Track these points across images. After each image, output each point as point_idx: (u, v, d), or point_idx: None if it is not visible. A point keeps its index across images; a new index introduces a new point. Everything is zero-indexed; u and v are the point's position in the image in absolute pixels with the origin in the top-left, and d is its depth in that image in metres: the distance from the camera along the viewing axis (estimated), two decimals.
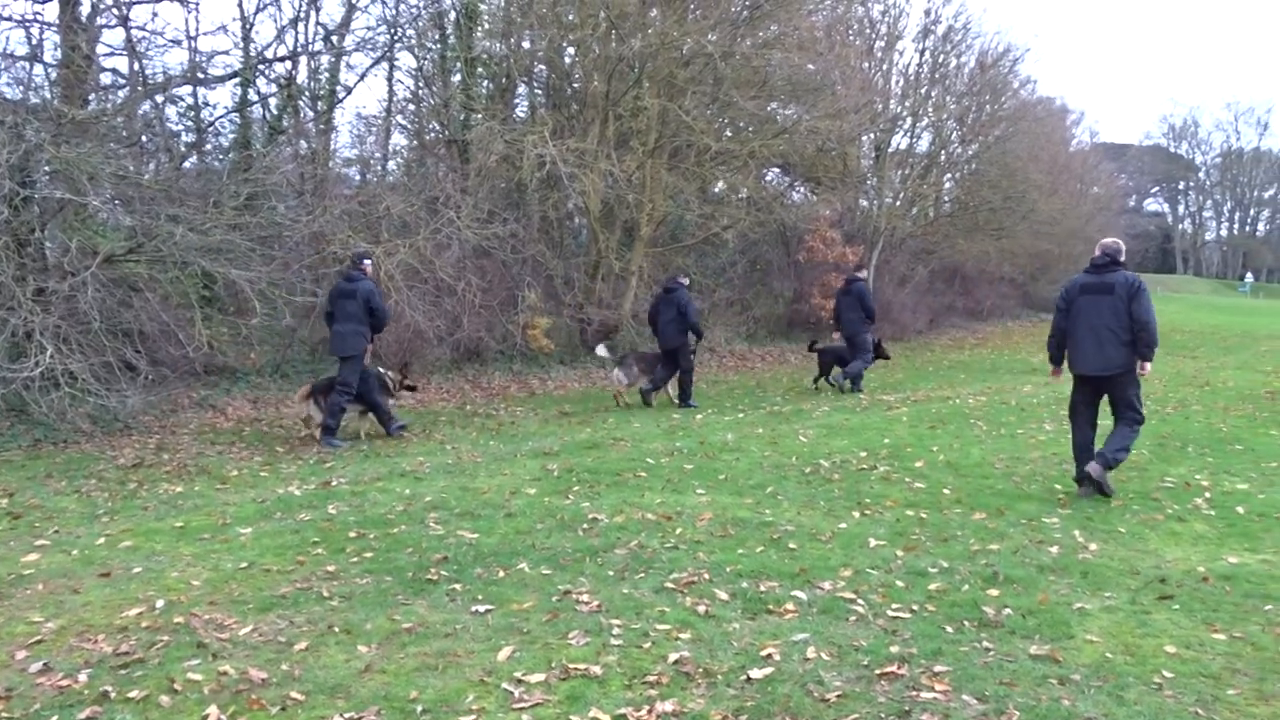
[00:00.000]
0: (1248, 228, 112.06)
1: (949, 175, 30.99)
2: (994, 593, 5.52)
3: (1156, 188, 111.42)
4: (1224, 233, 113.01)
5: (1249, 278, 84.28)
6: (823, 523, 6.94)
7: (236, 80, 15.09)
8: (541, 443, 10.49)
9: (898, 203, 27.73)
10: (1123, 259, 7.66)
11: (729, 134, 20.38)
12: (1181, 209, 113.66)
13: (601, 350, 14.97)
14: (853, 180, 24.96)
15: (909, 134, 28.65)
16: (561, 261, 18.78)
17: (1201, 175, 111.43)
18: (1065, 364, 7.95)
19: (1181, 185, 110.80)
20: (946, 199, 31.06)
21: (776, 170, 24.43)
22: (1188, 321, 38.49)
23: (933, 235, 29.47)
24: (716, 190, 21.62)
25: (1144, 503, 7.61)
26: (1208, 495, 7.82)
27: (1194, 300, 60.77)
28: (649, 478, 8.61)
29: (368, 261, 11.26)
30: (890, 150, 27.65)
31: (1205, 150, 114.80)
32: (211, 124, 15.60)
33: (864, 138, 26.42)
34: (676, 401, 13.93)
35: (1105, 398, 7.88)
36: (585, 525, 6.88)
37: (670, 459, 9.45)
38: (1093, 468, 7.63)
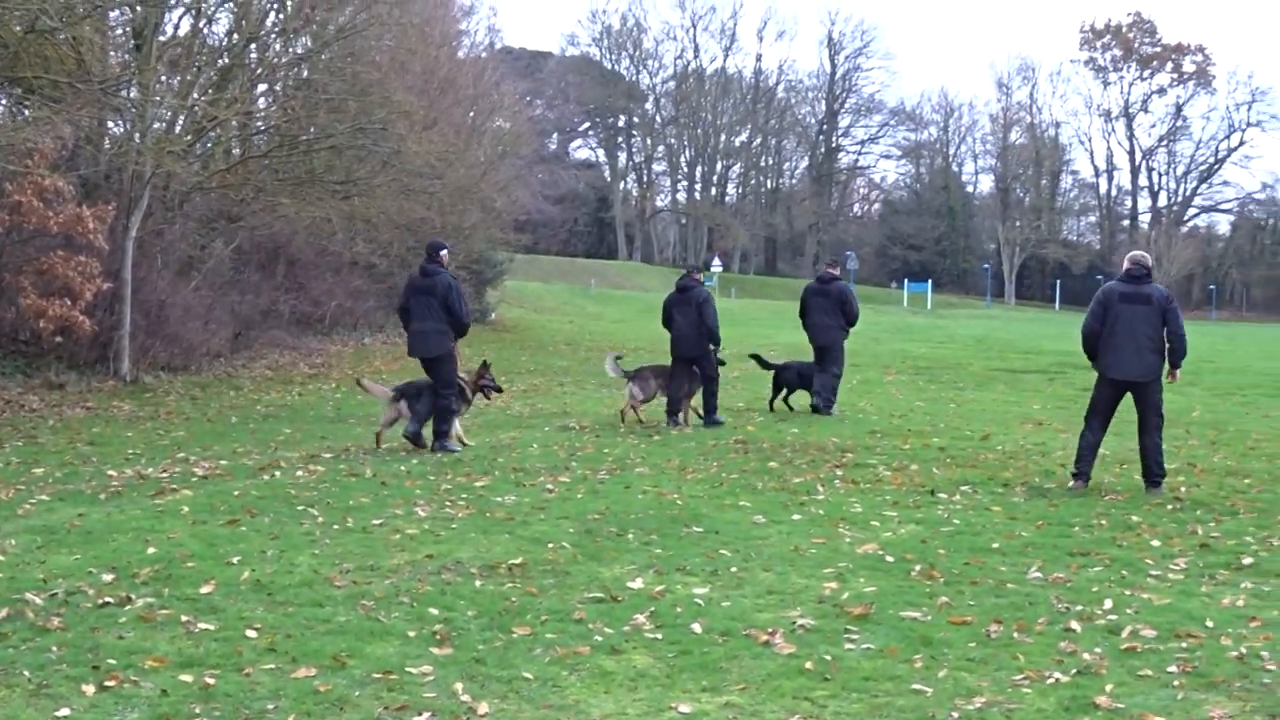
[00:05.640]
0: (713, 190, 77.89)
1: (264, 87, 20.88)
2: None
3: (588, 124, 78.22)
4: (682, 197, 78.81)
5: (716, 265, 66.53)
6: (27, 713, 4.45)
7: None
8: None
9: (176, 130, 17.67)
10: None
11: None
12: (624, 159, 78.75)
13: (610, 366, 13.80)
14: (94, 88, 14.79)
15: (194, 10, 18.03)
16: None
17: (650, 107, 76.89)
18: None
19: (623, 121, 77.25)
20: (260, 127, 20.46)
21: None
22: (635, 334, 30.88)
23: (238, 190, 19.39)
24: None
25: (562, 627, 5.48)
26: (653, 609, 5.75)
27: (644, 301, 46.73)
28: None
29: (445, 251, 11.05)
30: (161, 38, 17.25)
31: (655, 69, 77.03)
32: None
33: (113, 12, 16.66)
34: (700, 420, 13.04)
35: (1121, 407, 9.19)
36: None
37: None
38: (1155, 493, 8.79)
